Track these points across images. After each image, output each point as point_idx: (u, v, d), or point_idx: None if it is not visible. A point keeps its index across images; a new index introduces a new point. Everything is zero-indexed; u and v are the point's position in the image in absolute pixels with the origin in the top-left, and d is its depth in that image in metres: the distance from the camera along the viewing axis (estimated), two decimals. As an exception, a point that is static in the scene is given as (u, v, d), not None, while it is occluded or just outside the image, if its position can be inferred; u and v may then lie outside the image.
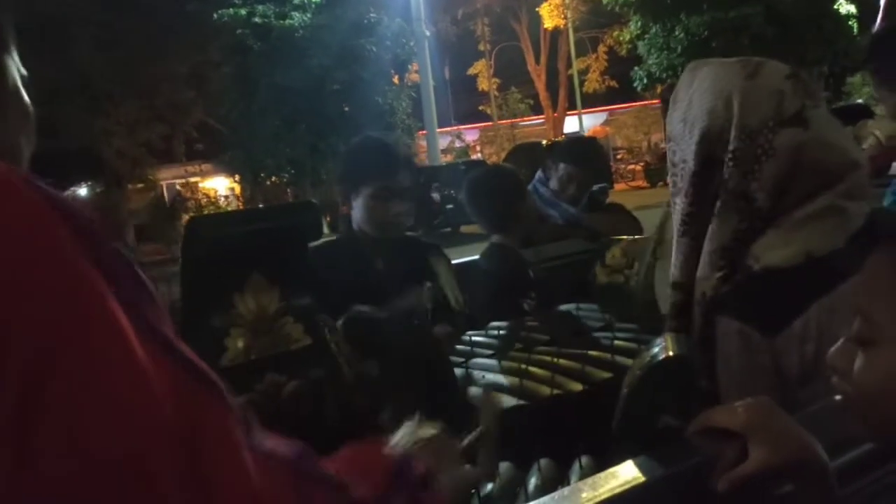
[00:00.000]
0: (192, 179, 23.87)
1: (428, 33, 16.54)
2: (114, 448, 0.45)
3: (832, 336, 0.79)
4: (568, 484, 1.04)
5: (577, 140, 3.32)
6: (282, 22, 16.13)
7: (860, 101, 14.75)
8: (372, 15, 16.79)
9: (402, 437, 0.79)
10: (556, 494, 0.86)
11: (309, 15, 16.28)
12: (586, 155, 2.91)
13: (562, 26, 28.15)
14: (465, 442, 0.93)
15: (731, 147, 1.16)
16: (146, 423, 0.46)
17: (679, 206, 1.23)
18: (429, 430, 0.82)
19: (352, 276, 1.86)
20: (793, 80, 1.17)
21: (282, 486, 0.53)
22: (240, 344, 1.12)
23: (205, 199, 21.61)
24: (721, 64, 1.23)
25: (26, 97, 0.68)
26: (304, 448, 0.60)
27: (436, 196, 14.84)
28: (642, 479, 0.83)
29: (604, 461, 1.01)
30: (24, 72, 0.69)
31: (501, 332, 1.75)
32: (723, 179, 1.17)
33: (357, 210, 1.95)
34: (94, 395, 0.45)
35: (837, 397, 0.77)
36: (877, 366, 0.72)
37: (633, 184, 24.10)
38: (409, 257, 1.99)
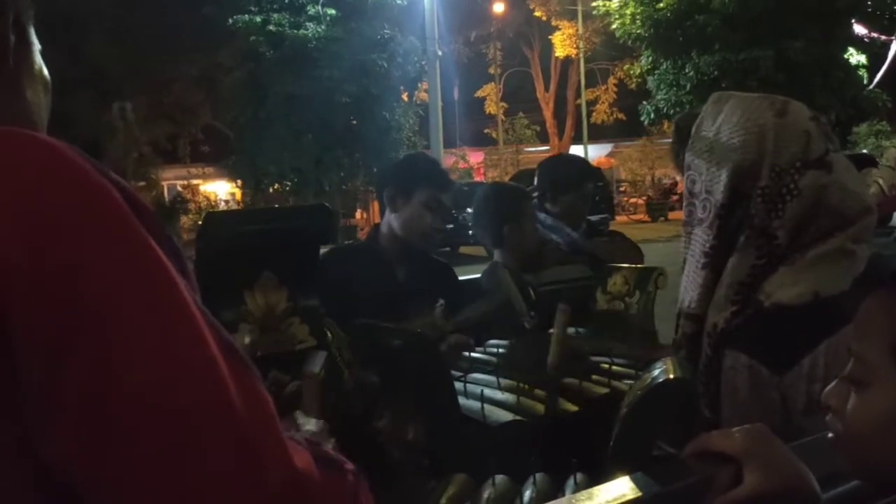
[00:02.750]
0: (195, 181, 23.85)
1: (440, 53, 16.64)
2: (176, 397, 0.46)
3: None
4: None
5: (561, 165, 2.97)
6: (296, 32, 16.22)
7: (865, 150, 14.84)
8: (386, 31, 16.89)
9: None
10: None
11: (323, 27, 16.37)
12: (576, 179, 2.68)
13: (573, 56, 28.33)
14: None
15: (761, 183, 1.17)
16: (206, 377, 0.48)
17: (700, 237, 1.24)
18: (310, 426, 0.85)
19: (372, 282, 1.92)
20: (816, 122, 1.20)
21: (309, 462, 0.55)
22: (247, 339, 1.14)
23: (205, 202, 21.58)
24: (747, 98, 1.25)
25: (46, 71, 0.70)
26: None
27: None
28: (638, 494, 0.84)
29: (599, 478, 1.02)
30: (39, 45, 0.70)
31: (500, 349, 1.77)
32: (749, 214, 1.18)
33: (401, 216, 2.04)
34: (159, 345, 0.47)
35: (829, 435, 0.78)
36: (869, 407, 0.73)
37: (634, 217, 24.17)
38: (428, 273, 2.06)
